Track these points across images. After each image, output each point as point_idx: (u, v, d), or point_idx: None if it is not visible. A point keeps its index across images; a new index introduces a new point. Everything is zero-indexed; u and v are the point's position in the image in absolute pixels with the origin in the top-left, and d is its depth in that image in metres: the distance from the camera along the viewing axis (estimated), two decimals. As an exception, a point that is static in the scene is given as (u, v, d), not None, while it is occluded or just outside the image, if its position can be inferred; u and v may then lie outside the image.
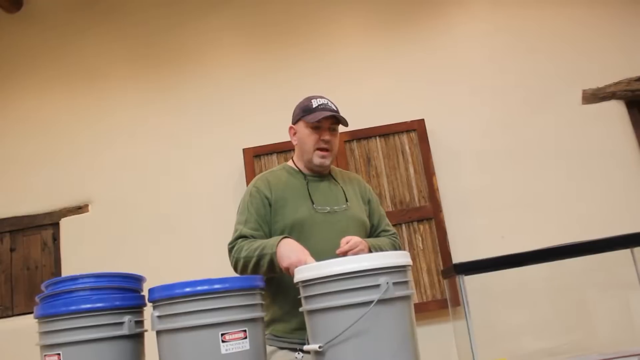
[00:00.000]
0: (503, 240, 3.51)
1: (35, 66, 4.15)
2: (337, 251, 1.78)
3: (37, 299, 1.52)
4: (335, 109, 2.02)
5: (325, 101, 2.03)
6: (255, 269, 1.82)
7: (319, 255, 1.67)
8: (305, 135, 2.03)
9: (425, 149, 3.62)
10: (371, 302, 1.28)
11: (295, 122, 2.09)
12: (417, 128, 3.65)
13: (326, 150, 2.02)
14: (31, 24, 4.24)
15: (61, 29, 4.21)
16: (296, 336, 1.84)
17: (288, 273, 1.70)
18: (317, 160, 2.02)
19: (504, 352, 3.05)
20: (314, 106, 2.01)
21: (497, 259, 1.77)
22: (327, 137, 2.01)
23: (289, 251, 1.72)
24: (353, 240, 1.81)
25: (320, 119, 1.97)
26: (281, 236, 1.81)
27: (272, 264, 1.76)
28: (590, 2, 3.90)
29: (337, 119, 2.01)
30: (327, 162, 2.03)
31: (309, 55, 3.98)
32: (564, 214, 3.53)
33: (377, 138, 3.68)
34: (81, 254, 3.74)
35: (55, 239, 3.85)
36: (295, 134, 2.09)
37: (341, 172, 2.21)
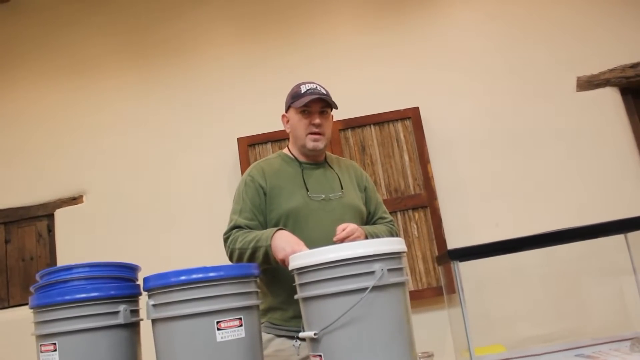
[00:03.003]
0: (497, 228, 3.52)
1: (29, 58, 4.12)
2: (334, 238, 1.78)
3: (32, 289, 1.52)
4: (325, 92, 2.02)
5: (314, 85, 2.02)
6: (250, 261, 1.81)
7: (314, 243, 1.65)
8: (296, 121, 2.03)
9: (420, 137, 3.62)
10: (366, 288, 1.29)
11: (286, 109, 2.10)
12: (411, 116, 3.65)
13: (318, 134, 2.01)
14: (22, 15, 4.20)
15: (53, 20, 4.17)
16: (293, 324, 1.85)
17: (283, 265, 1.70)
18: (310, 144, 2.01)
19: (498, 338, 3.08)
20: (302, 92, 2.01)
21: (492, 245, 1.77)
22: (317, 120, 2.00)
23: (284, 243, 1.72)
24: (349, 227, 1.80)
25: (308, 102, 1.97)
26: (276, 228, 1.80)
27: (267, 256, 1.76)
28: (584, -12, 3.89)
29: (326, 102, 2.01)
30: (320, 145, 2.02)
31: (303, 43, 3.96)
32: (559, 201, 3.54)
33: (372, 126, 3.68)
34: (76, 244, 3.74)
35: (50, 230, 3.84)
36: (288, 121, 2.10)
37: (337, 159, 2.20)
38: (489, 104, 3.76)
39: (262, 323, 1.91)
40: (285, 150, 2.14)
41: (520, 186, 3.61)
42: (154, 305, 1.36)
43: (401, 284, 1.38)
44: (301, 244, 1.70)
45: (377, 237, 1.94)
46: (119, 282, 1.52)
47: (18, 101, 4.05)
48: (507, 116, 3.72)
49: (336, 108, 2.05)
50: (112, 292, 1.44)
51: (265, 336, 1.87)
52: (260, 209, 1.95)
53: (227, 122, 3.84)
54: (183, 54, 4.02)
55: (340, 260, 1.31)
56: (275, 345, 1.89)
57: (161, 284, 1.35)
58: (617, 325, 3.16)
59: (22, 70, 4.11)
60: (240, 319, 1.35)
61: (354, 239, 1.78)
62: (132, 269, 1.60)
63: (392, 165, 3.62)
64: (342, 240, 1.76)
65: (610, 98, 3.69)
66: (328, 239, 1.77)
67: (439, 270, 3.42)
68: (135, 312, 1.50)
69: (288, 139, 2.16)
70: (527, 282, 3.39)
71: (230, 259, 1.91)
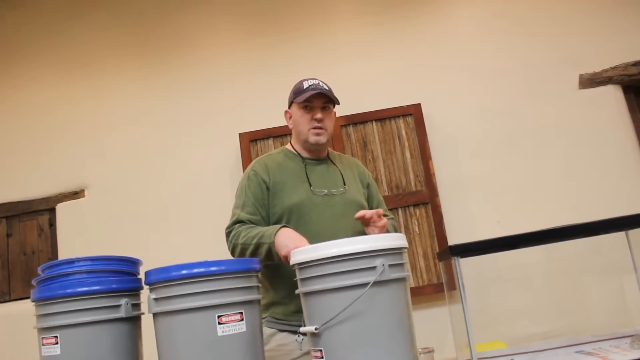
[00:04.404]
0: (499, 225, 3.52)
1: (30, 52, 4.12)
2: (367, 215, 1.81)
3: (33, 283, 1.52)
4: (327, 88, 2.03)
5: (316, 82, 2.04)
6: (253, 256, 1.81)
7: (316, 238, 1.65)
8: (299, 117, 2.04)
9: (422, 133, 3.61)
10: (367, 284, 1.29)
11: (289, 105, 2.12)
12: (413, 112, 3.65)
13: (320, 128, 2.02)
14: (23, 10, 4.19)
15: (53, 15, 4.16)
16: (295, 319, 1.85)
17: (286, 261, 1.69)
18: (312, 138, 2.02)
19: (499, 335, 3.08)
20: (304, 87, 2.02)
21: (493, 241, 1.77)
22: (319, 115, 2.01)
23: (287, 240, 1.71)
24: (382, 221, 1.84)
25: (309, 97, 1.98)
26: (279, 225, 1.81)
27: (270, 252, 1.77)
28: (587, -15, 3.88)
29: (328, 98, 2.01)
30: (322, 139, 2.03)
31: (305, 39, 3.96)
32: (560, 199, 3.54)
33: (374, 122, 3.67)
34: (78, 239, 3.75)
35: (52, 224, 3.85)
36: (290, 117, 2.11)
37: (340, 156, 2.21)
38: (491, 101, 3.75)
39: (265, 318, 1.92)
40: (288, 146, 2.14)
41: (522, 183, 3.60)
42: (155, 299, 1.36)
43: (402, 280, 1.38)
44: (304, 240, 1.70)
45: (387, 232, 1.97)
46: (121, 275, 1.52)
47: (19, 95, 4.05)
48: (509, 113, 3.72)
49: (338, 103, 2.06)
50: (114, 286, 1.44)
51: (268, 331, 1.88)
52: (262, 204, 1.96)
53: (229, 118, 3.84)
54: (184, 50, 4.02)
55: (341, 256, 1.31)
56: (278, 339, 1.89)
57: (163, 278, 1.35)
58: (618, 322, 3.17)
59: (22, 65, 4.11)
60: (241, 313, 1.36)
61: (378, 227, 1.82)
62: (134, 262, 1.60)
63: (394, 162, 3.62)
64: (367, 219, 1.80)
65: (613, 96, 3.68)
66: (330, 234, 1.77)
67: (439, 266, 3.42)
68: (136, 306, 1.51)
69: (290, 134, 2.17)
70: (528, 279, 3.39)
71: (232, 253, 1.91)
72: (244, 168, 3.41)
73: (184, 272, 1.33)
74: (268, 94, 3.77)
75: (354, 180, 2.12)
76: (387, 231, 1.99)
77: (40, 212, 3.87)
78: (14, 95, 4.06)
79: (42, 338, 1.41)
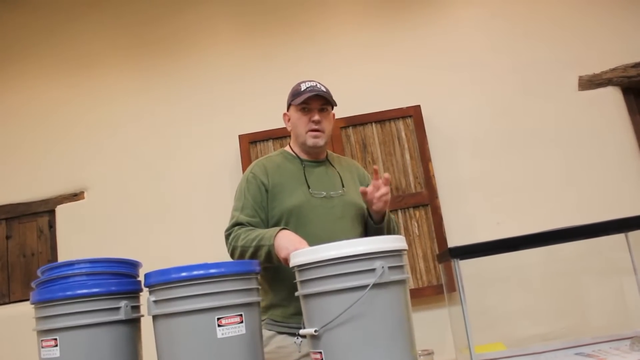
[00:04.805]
0: (498, 226, 3.52)
1: (30, 53, 4.12)
2: (369, 190, 1.87)
3: (33, 285, 1.52)
4: (325, 90, 2.03)
5: (314, 83, 2.04)
6: (252, 259, 1.81)
7: (315, 240, 1.65)
8: (296, 119, 2.05)
9: (421, 135, 3.61)
10: (366, 286, 1.29)
11: (287, 108, 2.12)
12: (413, 114, 3.65)
13: (317, 130, 2.02)
14: (24, 10, 4.19)
15: (54, 15, 4.17)
16: (294, 321, 1.85)
17: (286, 264, 1.69)
18: (310, 141, 2.02)
19: (499, 337, 3.07)
20: (302, 89, 2.02)
21: (493, 243, 1.77)
22: (316, 117, 2.01)
23: (287, 242, 1.71)
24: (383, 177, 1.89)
25: (306, 99, 1.98)
26: (278, 228, 1.81)
27: (270, 255, 1.76)
28: (586, -13, 3.89)
29: (325, 100, 2.02)
30: (320, 142, 2.03)
31: (305, 41, 3.96)
32: (560, 200, 3.54)
33: (373, 124, 3.67)
34: (77, 241, 3.74)
35: (51, 226, 3.85)
36: (289, 120, 2.11)
37: (338, 158, 2.22)
38: (490, 103, 3.75)
39: (264, 320, 1.92)
40: (287, 148, 2.14)
41: (521, 185, 3.60)
42: (154, 302, 1.36)
43: (402, 282, 1.38)
44: (304, 243, 1.69)
45: (390, 223, 2.03)
46: (120, 278, 1.52)
47: (19, 97, 4.06)
48: (509, 115, 3.72)
49: (335, 105, 2.06)
50: (113, 288, 1.44)
51: (267, 333, 1.88)
52: (261, 206, 1.96)
53: (229, 119, 3.84)
54: (185, 51, 4.02)
55: (341, 258, 1.31)
56: (277, 342, 1.89)
57: (162, 280, 1.35)
58: (617, 324, 3.16)
59: (22, 66, 4.11)
60: (241, 315, 1.36)
61: (384, 197, 1.88)
62: (133, 265, 1.60)
63: (393, 164, 3.62)
64: (368, 192, 1.87)
65: (612, 97, 3.68)
66: (329, 236, 1.77)
67: (439, 268, 3.42)
68: (136, 308, 1.50)
69: (289, 136, 2.17)
70: (528, 281, 3.39)
71: (232, 256, 1.91)
72: (244, 170, 3.41)
73: (184, 274, 1.33)
74: (268, 96, 3.77)
75: (353, 182, 2.12)
76: (388, 229, 2.00)
77: (40, 214, 3.87)
78: (14, 96, 4.06)
79: (42, 340, 1.41)
